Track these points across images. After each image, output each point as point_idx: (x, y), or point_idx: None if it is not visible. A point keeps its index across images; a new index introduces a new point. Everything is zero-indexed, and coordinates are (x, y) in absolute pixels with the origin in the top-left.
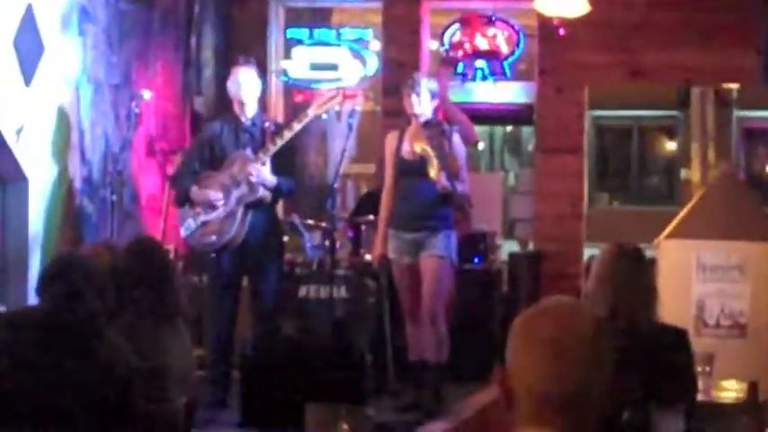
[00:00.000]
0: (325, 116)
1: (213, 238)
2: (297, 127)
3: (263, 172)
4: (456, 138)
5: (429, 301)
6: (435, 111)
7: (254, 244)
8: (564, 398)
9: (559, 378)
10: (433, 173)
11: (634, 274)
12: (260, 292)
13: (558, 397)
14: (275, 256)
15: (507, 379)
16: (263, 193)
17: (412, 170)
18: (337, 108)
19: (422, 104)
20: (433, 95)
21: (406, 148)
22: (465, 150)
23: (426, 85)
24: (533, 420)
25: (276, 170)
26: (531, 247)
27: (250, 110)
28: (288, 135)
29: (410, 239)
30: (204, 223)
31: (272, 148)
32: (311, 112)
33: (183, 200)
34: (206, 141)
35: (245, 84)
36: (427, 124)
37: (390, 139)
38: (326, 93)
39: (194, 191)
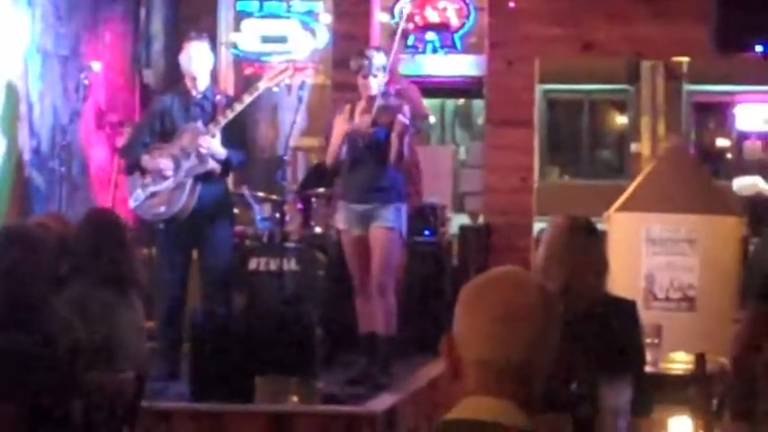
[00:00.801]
0: (276, 89)
1: (162, 208)
2: (247, 100)
3: (212, 144)
4: (405, 110)
5: (378, 273)
6: (386, 84)
7: (203, 216)
8: (511, 367)
9: (506, 347)
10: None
11: (585, 246)
12: (210, 265)
13: (505, 366)
14: (225, 229)
15: (454, 348)
16: (212, 165)
17: (363, 143)
18: (287, 81)
19: (376, 84)
20: (384, 70)
21: (356, 121)
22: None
23: (378, 61)
24: (480, 389)
25: (226, 143)
26: (481, 220)
27: (201, 83)
28: (238, 108)
29: (360, 211)
30: (153, 194)
31: (222, 121)
32: (262, 86)
33: (133, 168)
34: (156, 114)
35: (196, 58)
36: (377, 98)
37: (340, 116)
38: (277, 66)
39: (145, 159)
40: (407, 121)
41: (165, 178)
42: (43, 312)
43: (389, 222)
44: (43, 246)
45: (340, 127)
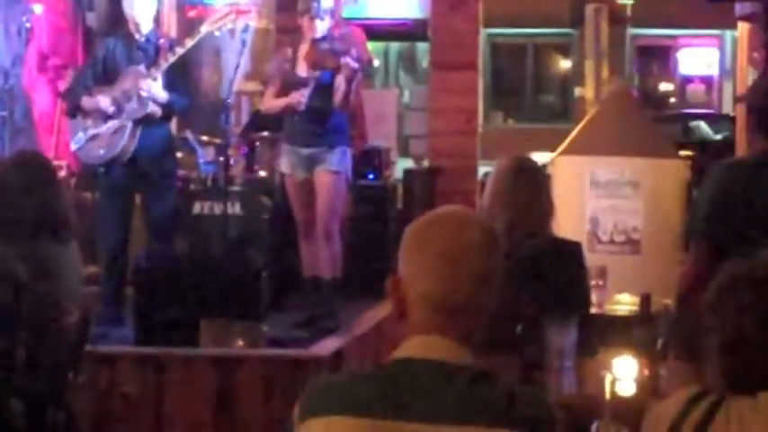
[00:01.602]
0: (217, 33)
1: (101, 151)
2: (189, 43)
3: (153, 87)
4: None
5: (324, 217)
6: (331, 27)
7: (146, 159)
8: (454, 305)
9: (450, 284)
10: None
11: (532, 189)
12: (153, 209)
13: (448, 303)
14: (168, 172)
15: (400, 287)
16: (152, 108)
17: (307, 87)
18: (230, 26)
19: (322, 27)
20: (332, 14)
21: (301, 65)
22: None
23: (326, 4)
24: (425, 327)
25: (169, 87)
26: (425, 163)
27: (145, 27)
28: (180, 51)
29: (305, 155)
30: (93, 137)
31: (164, 65)
32: (204, 29)
33: (75, 109)
34: (99, 57)
35: (138, 3)
36: (322, 41)
37: (282, 58)
38: (220, 9)
39: (85, 100)
40: (356, 65)
41: (105, 119)
42: None
43: (334, 166)
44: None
45: (276, 100)
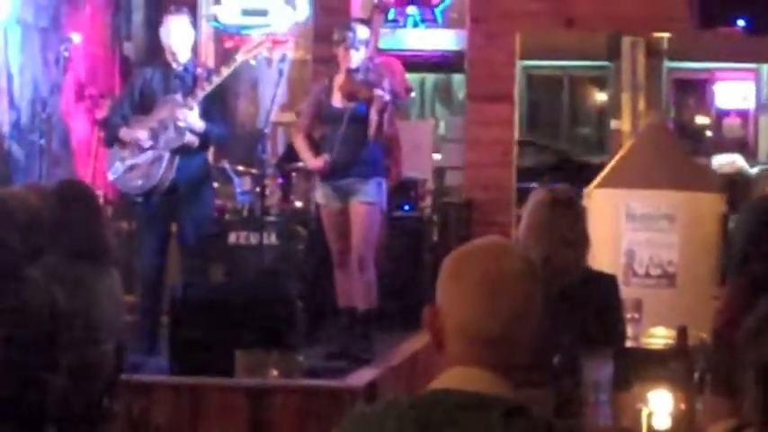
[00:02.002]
0: (253, 62)
1: (140, 182)
2: (225, 72)
3: (190, 116)
4: (385, 84)
5: (358, 248)
6: (367, 58)
7: (182, 189)
8: (492, 337)
9: (488, 316)
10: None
11: (568, 221)
12: (189, 238)
13: (487, 336)
14: (204, 202)
15: (437, 318)
16: (189, 138)
17: (342, 118)
18: (265, 54)
19: (357, 58)
20: (367, 44)
21: (336, 96)
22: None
23: (362, 35)
24: (462, 359)
25: (207, 116)
26: (461, 195)
27: (182, 57)
28: (216, 80)
29: (340, 186)
30: (131, 167)
31: (200, 94)
32: (239, 58)
33: (112, 140)
34: (137, 86)
35: (175, 33)
36: (357, 72)
37: (318, 88)
38: (255, 38)
39: (123, 131)
40: (387, 96)
41: (143, 150)
42: (18, 281)
43: (369, 197)
44: (17, 214)
45: (305, 149)
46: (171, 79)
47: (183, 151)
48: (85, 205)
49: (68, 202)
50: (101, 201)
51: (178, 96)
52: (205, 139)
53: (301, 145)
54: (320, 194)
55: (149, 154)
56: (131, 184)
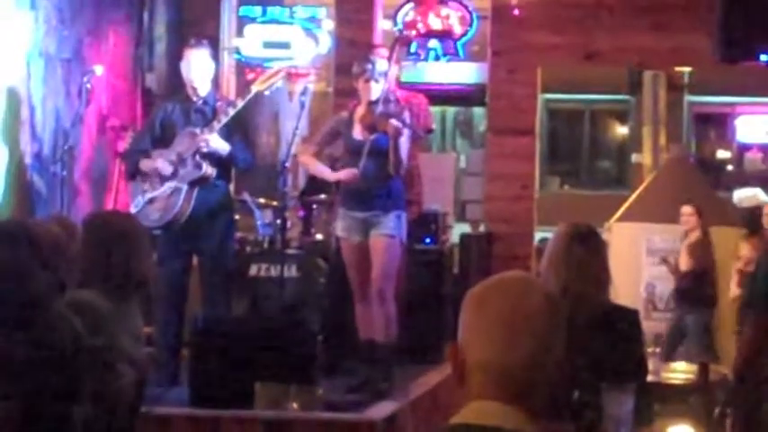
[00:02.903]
0: (267, 93)
1: (157, 214)
2: (240, 104)
3: (213, 140)
4: (405, 116)
5: (378, 281)
6: (388, 90)
7: (203, 221)
8: (514, 371)
9: (511, 350)
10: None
11: (587, 254)
12: (209, 270)
13: (509, 371)
14: (225, 234)
15: (459, 352)
16: (206, 170)
17: (363, 150)
18: (280, 84)
19: (377, 90)
20: (386, 76)
21: (357, 128)
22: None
23: (381, 67)
24: (484, 394)
25: (232, 145)
26: (482, 228)
27: (202, 90)
28: (231, 112)
29: (360, 219)
30: (151, 200)
31: (217, 126)
32: (254, 89)
33: (134, 173)
34: (157, 120)
35: (195, 65)
36: (377, 104)
37: (338, 119)
38: (270, 69)
39: (143, 162)
40: (400, 124)
41: (163, 182)
42: (42, 311)
43: (390, 230)
44: (42, 244)
45: (323, 169)
46: (191, 113)
47: (201, 183)
48: (124, 238)
49: (100, 233)
50: (137, 231)
51: (197, 129)
52: (230, 163)
53: (311, 161)
54: (340, 227)
55: (167, 187)
56: (150, 216)
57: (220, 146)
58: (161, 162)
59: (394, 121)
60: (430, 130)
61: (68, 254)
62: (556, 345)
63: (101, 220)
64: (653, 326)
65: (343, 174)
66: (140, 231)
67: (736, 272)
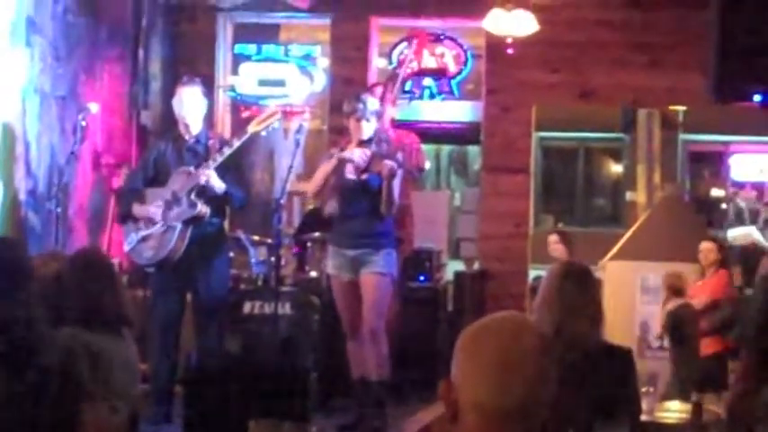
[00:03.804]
0: (264, 133)
1: (150, 252)
2: (236, 143)
3: (212, 177)
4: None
5: (369, 319)
6: (378, 130)
7: (197, 258)
8: (508, 411)
9: (504, 391)
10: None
11: (580, 293)
12: (203, 307)
13: (503, 410)
14: (219, 271)
15: (452, 392)
16: (201, 209)
17: (355, 189)
18: (276, 125)
19: (369, 129)
20: (378, 115)
21: (348, 167)
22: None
23: (372, 106)
24: None
25: (226, 183)
26: (476, 266)
27: (194, 128)
28: (227, 152)
29: (351, 257)
30: (144, 238)
31: (212, 164)
32: (250, 129)
33: (126, 217)
34: (151, 159)
35: (188, 103)
36: (369, 143)
37: (333, 153)
38: (267, 109)
39: (136, 208)
40: (394, 164)
41: (155, 223)
42: (37, 341)
43: (380, 267)
44: (36, 276)
45: (329, 163)
46: (183, 152)
47: (195, 222)
48: (101, 273)
49: (84, 271)
50: (116, 269)
51: (191, 168)
52: (226, 201)
53: (319, 173)
54: (331, 265)
55: (161, 225)
56: (144, 254)
57: (217, 183)
58: (152, 209)
59: (389, 162)
60: (422, 169)
61: (64, 289)
62: (548, 384)
63: (78, 257)
64: (647, 365)
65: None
66: (111, 268)
67: None
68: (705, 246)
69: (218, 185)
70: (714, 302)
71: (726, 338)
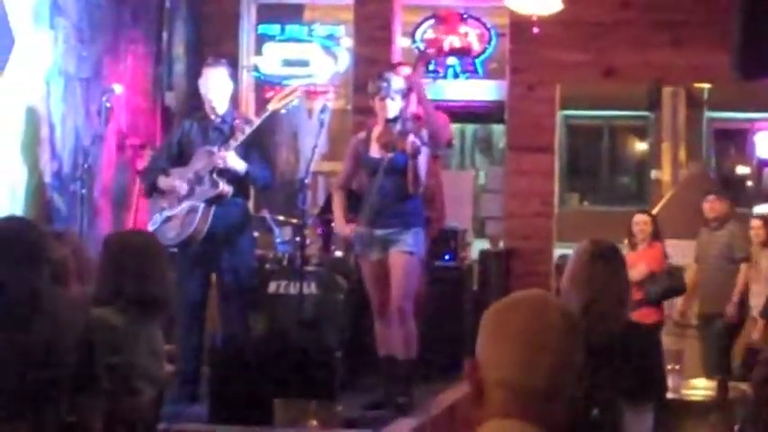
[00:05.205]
0: (284, 111)
1: (174, 232)
2: (256, 122)
3: (230, 158)
4: (423, 134)
5: (397, 298)
6: (404, 108)
7: (221, 238)
8: (533, 389)
9: (529, 369)
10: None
11: (608, 272)
12: (229, 288)
13: (528, 388)
14: (245, 252)
15: (477, 370)
16: (223, 188)
17: (380, 168)
18: (296, 103)
19: (394, 108)
20: (403, 94)
21: (374, 146)
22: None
23: (396, 85)
24: (502, 412)
25: (247, 161)
26: (501, 245)
27: (220, 108)
28: (248, 130)
29: (379, 236)
30: (168, 218)
31: (234, 143)
32: (270, 107)
33: (151, 190)
34: (175, 139)
35: (213, 84)
36: (394, 122)
37: (356, 141)
38: (286, 87)
39: (161, 179)
40: (418, 142)
41: (180, 201)
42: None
43: (409, 247)
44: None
45: (339, 212)
46: (209, 131)
47: (218, 201)
48: (139, 257)
49: (118, 254)
50: (163, 252)
51: (214, 148)
52: (249, 181)
53: (336, 203)
54: (359, 245)
55: (185, 205)
56: (167, 234)
57: (237, 164)
58: (178, 181)
59: (412, 139)
60: (450, 143)
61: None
62: (574, 362)
63: (118, 239)
64: (673, 342)
65: (346, 231)
66: (158, 250)
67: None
68: (640, 218)
69: (239, 166)
70: (651, 274)
71: (660, 309)
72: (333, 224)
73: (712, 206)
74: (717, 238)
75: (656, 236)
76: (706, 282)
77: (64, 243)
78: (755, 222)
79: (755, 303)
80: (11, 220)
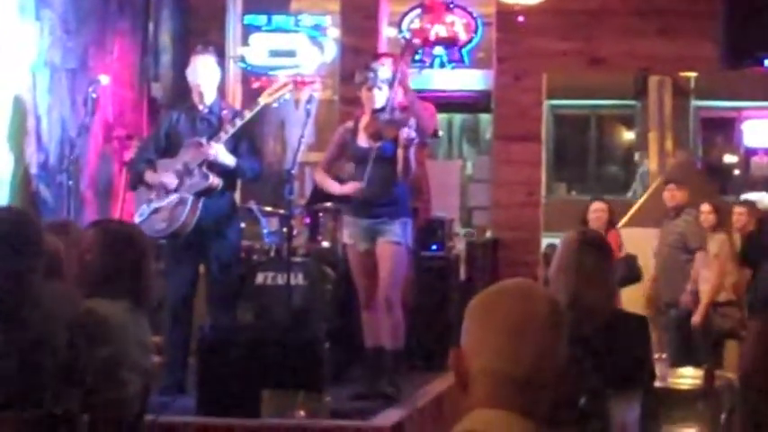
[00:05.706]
0: (275, 105)
1: (163, 224)
2: (248, 115)
3: (220, 152)
4: (411, 123)
5: (385, 288)
6: (391, 98)
7: (209, 230)
8: (519, 378)
9: (515, 358)
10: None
11: (596, 262)
12: (216, 279)
13: (514, 377)
14: (232, 242)
15: (462, 360)
16: (213, 180)
17: (368, 158)
18: (287, 96)
19: (381, 97)
20: (390, 83)
21: (362, 136)
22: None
23: (383, 75)
24: (488, 401)
25: (236, 154)
26: (488, 234)
27: (208, 98)
28: (239, 123)
29: (367, 226)
30: (156, 210)
31: (224, 136)
32: (262, 101)
33: (137, 183)
34: (162, 129)
35: (202, 72)
36: (382, 112)
37: (343, 130)
38: (278, 80)
39: (149, 174)
40: (412, 135)
41: (168, 193)
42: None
43: (396, 237)
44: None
45: (332, 183)
46: (196, 122)
47: (207, 193)
48: (133, 246)
49: (114, 245)
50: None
51: (203, 139)
52: (237, 174)
53: (323, 177)
54: (347, 234)
55: (174, 197)
56: (156, 226)
57: (227, 159)
58: (166, 176)
59: (405, 131)
60: (436, 133)
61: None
62: (559, 351)
63: (110, 227)
64: (660, 331)
65: (348, 188)
66: (147, 241)
67: None
68: (596, 206)
69: (228, 160)
70: None
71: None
72: (327, 206)
73: (672, 195)
74: (673, 227)
75: (612, 224)
76: (662, 271)
77: (66, 235)
78: (705, 207)
79: (704, 289)
80: (4, 210)
